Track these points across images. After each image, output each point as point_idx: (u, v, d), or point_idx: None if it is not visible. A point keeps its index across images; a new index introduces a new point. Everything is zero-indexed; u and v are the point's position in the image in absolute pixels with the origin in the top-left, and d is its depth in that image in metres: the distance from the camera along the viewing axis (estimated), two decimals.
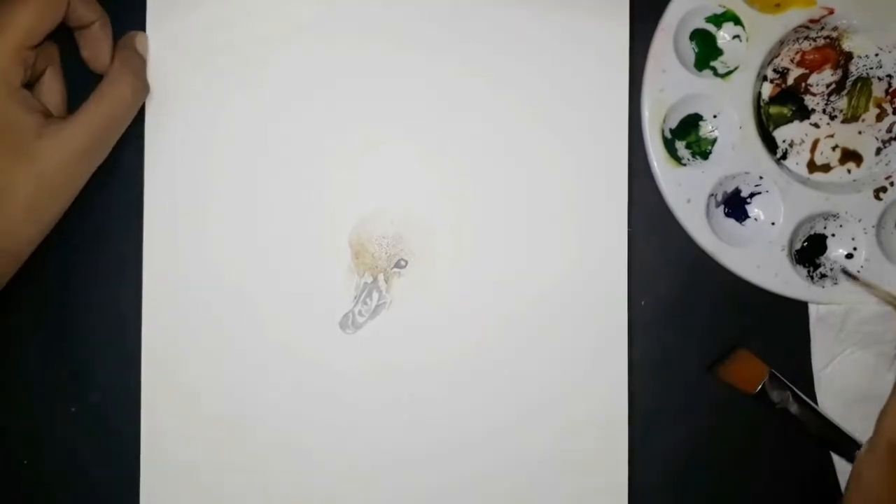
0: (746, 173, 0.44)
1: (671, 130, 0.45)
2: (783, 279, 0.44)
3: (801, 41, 0.45)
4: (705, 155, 0.45)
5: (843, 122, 0.46)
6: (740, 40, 0.44)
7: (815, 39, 0.45)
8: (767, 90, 0.46)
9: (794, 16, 0.43)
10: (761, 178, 0.44)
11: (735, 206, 0.45)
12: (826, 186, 0.45)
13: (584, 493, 0.44)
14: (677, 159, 0.44)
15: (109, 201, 0.44)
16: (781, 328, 0.45)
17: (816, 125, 0.46)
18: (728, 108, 0.44)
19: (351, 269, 0.44)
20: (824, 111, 0.46)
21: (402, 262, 0.44)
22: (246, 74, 0.44)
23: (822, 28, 0.45)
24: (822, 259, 0.45)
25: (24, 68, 0.39)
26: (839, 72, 0.46)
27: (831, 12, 0.44)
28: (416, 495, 0.44)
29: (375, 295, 0.44)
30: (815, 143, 0.46)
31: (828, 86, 0.46)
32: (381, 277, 0.44)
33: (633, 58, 0.44)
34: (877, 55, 0.45)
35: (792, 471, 0.45)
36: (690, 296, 0.45)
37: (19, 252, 0.41)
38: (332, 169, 0.44)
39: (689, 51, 0.45)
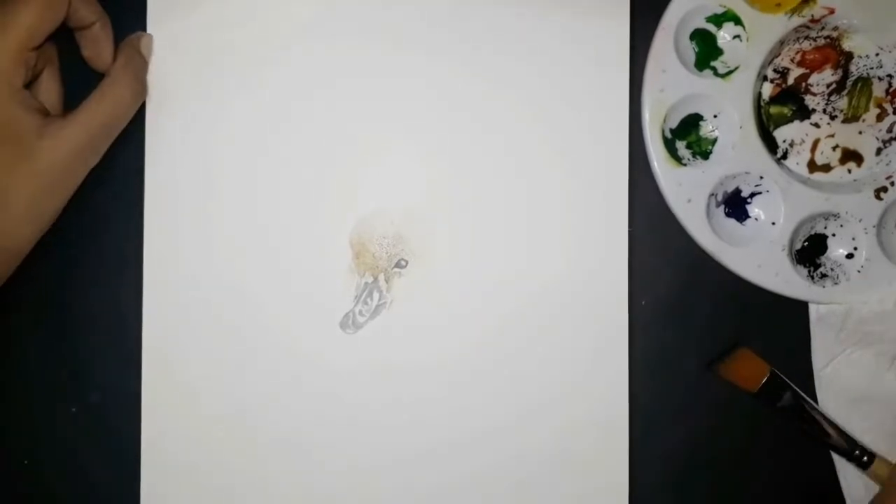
0: (747, 173, 0.44)
1: (671, 130, 0.45)
2: (784, 279, 0.44)
3: (801, 41, 0.45)
4: (706, 155, 0.45)
5: (844, 122, 0.46)
6: (741, 40, 0.44)
7: (815, 39, 0.45)
8: (768, 90, 0.46)
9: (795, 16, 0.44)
10: (762, 177, 0.44)
11: (735, 205, 0.45)
12: (826, 186, 0.45)
13: (584, 493, 0.44)
14: (678, 159, 0.44)
15: (110, 201, 0.44)
16: (782, 328, 0.45)
17: (817, 125, 0.46)
18: (728, 108, 0.44)
19: (351, 269, 0.44)
20: (825, 111, 0.46)
21: (403, 262, 0.44)
22: (246, 74, 0.44)
23: (823, 28, 0.45)
24: (823, 259, 0.45)
25: (26, 69, 0.39)
26: (839, 72, 0.46)
27: (832, 12, 0.44)
28: (416, 495, 0.44)
29: (376, 295, 0.44)
30: (815, 143, 0.46)
31: (828, 86, 0.46)
32: (381, 277, 0.44)
33: (634, 58, 0.44)
34: (877, 55, 0.45)
35: (792, 470, 0.45)
36: (691, 296, 0.45)
37: (18, 251, 0.41)
38: (333, 169, 0.44)
39: (689, 51, 0.45)
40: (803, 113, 0.46)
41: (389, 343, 0.44)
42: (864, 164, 0.46)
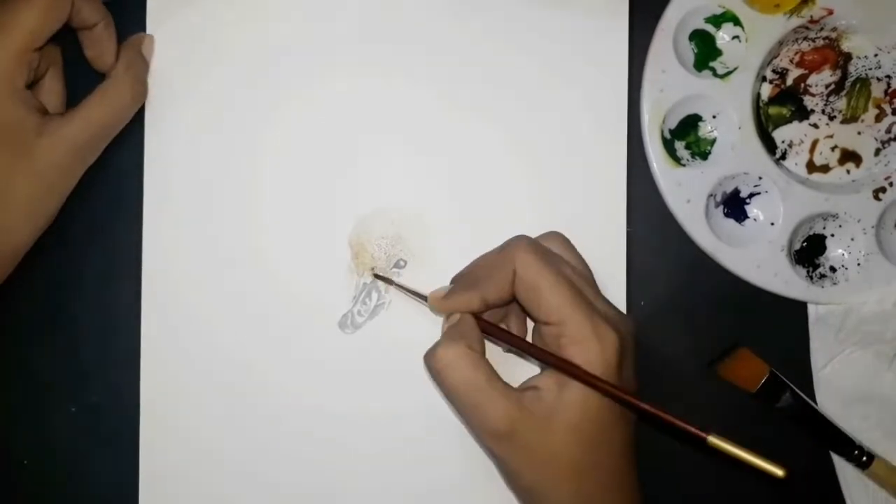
0: (746, 174, 0.44)
1: (671, 131, 0.45)
2: (783, 279, 0.44)
3: (800, 42, 0.45)
4: (705, 155, 0.45)
5: (843, 122, 0.46)
6: (739, 41, 0.44)
7: (814, 40, 0.45)
8: (767, 91, 0.46)
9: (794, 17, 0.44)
10: (760, 178, 0.44)
11: (734, 206, 0.45)
12: (825, 187, 0.45)
13: None
14: (677, 160, 0.45)
15: (109, 201, 0.44)
16: (781, 328, 0.45)
17: (815, 126, 0.46)
18: (727, 109, 0.44)
19: (350, 269, 0.44)
20: (823, 112, 0.46)
21: (402, 263, 0.44)
22: (246, 74, 0.44)
23: (822, 29, 0.45)
24: (822, 259, 0.45)
25: (29, 70, 0.39)
26: (838, 72, 0.46)
27: (831, 13, 0.44)
28: (416, 494, 0.44)
29: (375, 295, 0.44)
30: (814, 144, 0.46)
31: (827, 86, 0.46)
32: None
33: (633, 58, 0.44)
34: (876, 56, 0.45)
35: (792, 470, 0.45)
36: (690, 296, 0.45)
37: (16, 251, 0.41)
38: (332, 169, 0.44)
39: (688, 51, 0.45)
40: (802, 113, 0.46)
41: (388, 343, 0.44)
42: (863, 165, 0.46)
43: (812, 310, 0.45)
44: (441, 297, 0.40)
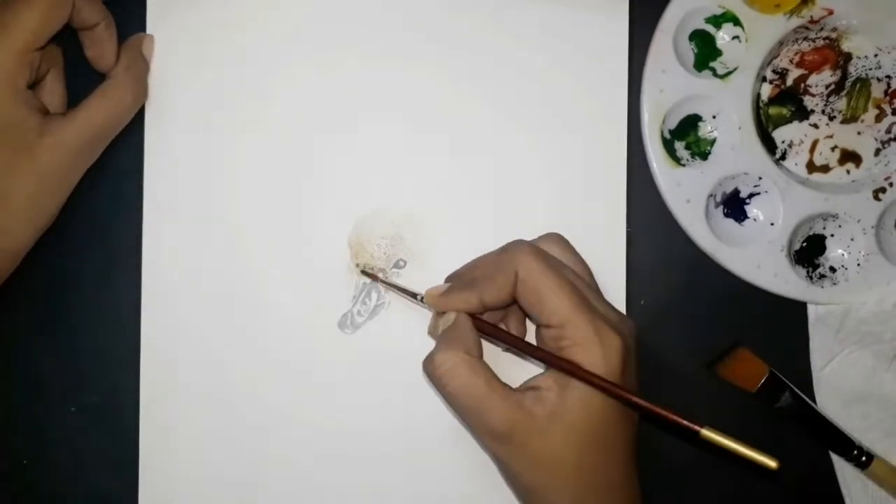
0: (745, 174, 0.44)
1: (670, 131, 0.45)
2: (782, 279, 0.44)
3: (800, 42, 0.45)
4: (704, 155, 0.45)
5: (843, 122, 0.46)
6: (740, 41, 0.44)
7: (814, 40, 0.45)
8: (767, 91, 0.46)
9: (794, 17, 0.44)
10: (760, 178, 0.44)
11: (734, 206, 0.45)
12: (825, 187, 0.45)
13: None
14: (676, 160, 0.45)
15: (109, 201, 0.44)
16: (780, 328, 0.45)
17: (815, 126, 0.46)
18: (727, 109, 0.44)
19: (350, 269, 0.44)
20: (823, 112, 0.46)
21: (401, 263, 0.44)
22: (246, 74, 0.44)
23: (822, 29, 0.45)
24: (822, 259, 0.45)
25: (30, 70, 0.39)
26: (838, 72, 0.46)
27: (831, 13, 0.44)
28: (416, 494, 0.44)
29: (374, 295, 0.44)
30: (814, 144, 0.46)
31: (827, 86, 0.46)
32: (380, 277, 0.44)
33: (633, 58, 0.44)
34: (876, 56, 0.45)
35: (791, 470, 0.45)
36: (690, 296, 0.45)
37: (17, 251, 0.41)
38: (332, 169, 0.44)
39: (688, 51, 0.45)
40: (802, 114, 0.46)
41: (387, 343, 0.44)
42: (863, 165, 0.46)
43: (812, 310, 0.45)
44: (438, 294, 0.40)
